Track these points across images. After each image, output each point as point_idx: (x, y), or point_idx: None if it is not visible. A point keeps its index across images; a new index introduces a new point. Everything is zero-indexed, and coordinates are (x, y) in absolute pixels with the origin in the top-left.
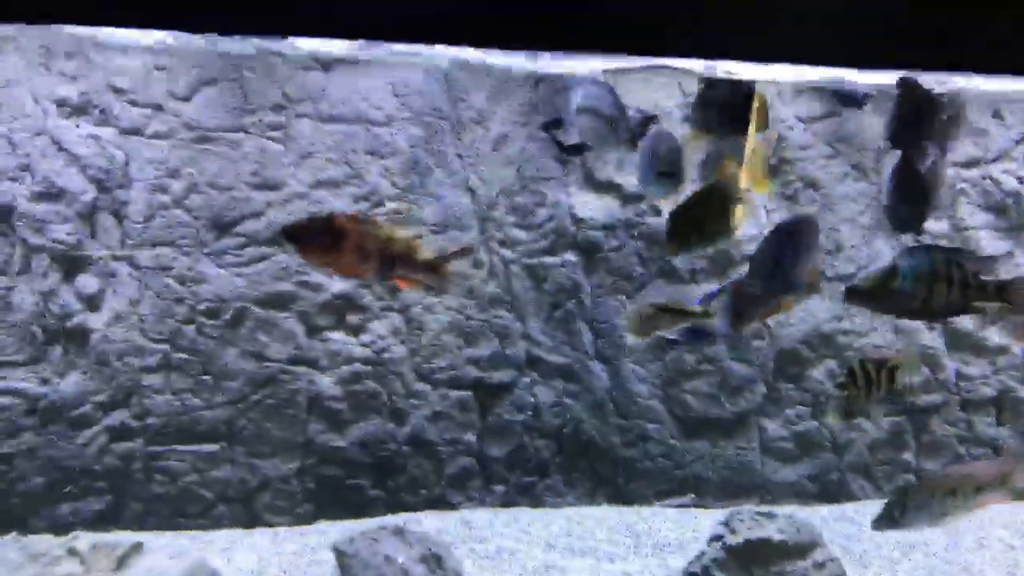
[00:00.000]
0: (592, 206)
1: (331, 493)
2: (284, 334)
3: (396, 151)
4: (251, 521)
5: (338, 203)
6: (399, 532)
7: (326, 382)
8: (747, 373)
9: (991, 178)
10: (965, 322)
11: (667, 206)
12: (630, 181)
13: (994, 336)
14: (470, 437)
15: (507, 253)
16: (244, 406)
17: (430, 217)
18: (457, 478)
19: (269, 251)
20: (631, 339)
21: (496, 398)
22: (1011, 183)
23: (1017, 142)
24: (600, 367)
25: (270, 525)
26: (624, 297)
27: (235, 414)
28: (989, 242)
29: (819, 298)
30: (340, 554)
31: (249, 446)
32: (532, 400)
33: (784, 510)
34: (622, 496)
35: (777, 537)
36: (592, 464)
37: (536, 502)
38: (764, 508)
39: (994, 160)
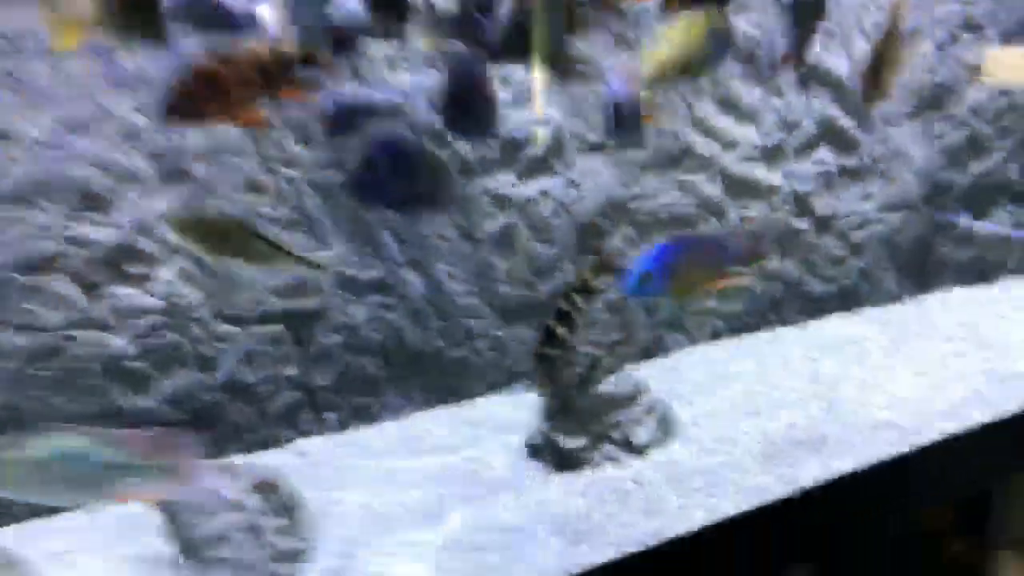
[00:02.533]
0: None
1: None
2: (57, 298)
3: (146, 82)
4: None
5: (88, 145)
6: (224, 467)
7: (119, 342)
8: (552, 253)
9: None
10: (743, 167)
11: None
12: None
13: (766, 177)
14: (290, 371)
15: (292, 173)
16: (27, 385)
17: (200, 145)
18: (284, 415)
19: (21, 212)
20: (438, 240)
21: (310, 325)
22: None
23: None
24: (412, 274)
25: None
26: None
27: (17, 397)
28: (745, 91)
29: (605, 165)
30: (161, 503)
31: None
32: (348, 320)
33: None
34: (459, 396)
35: (605, 389)
36: (423, 372)
37: (374, 421)
38: None
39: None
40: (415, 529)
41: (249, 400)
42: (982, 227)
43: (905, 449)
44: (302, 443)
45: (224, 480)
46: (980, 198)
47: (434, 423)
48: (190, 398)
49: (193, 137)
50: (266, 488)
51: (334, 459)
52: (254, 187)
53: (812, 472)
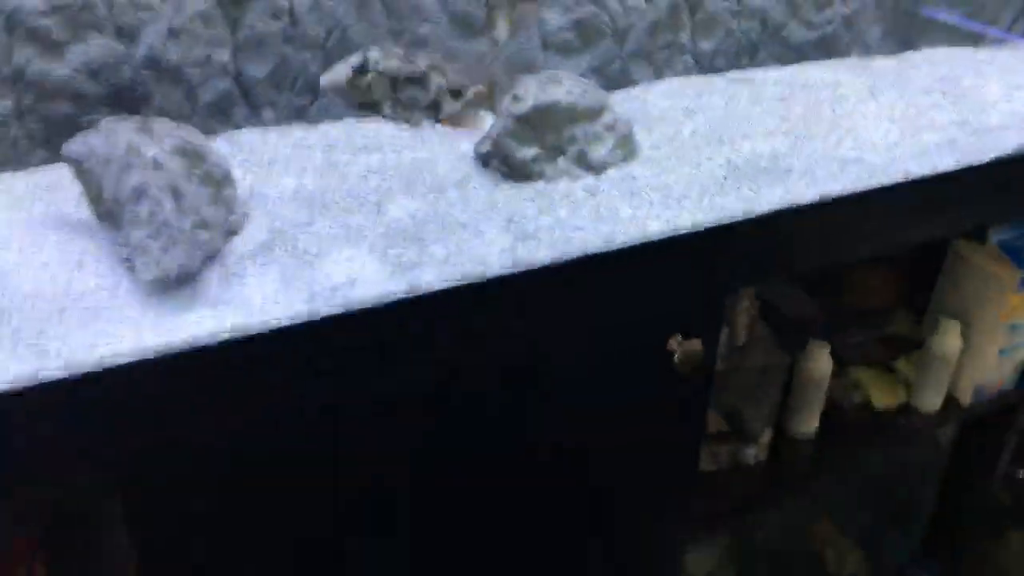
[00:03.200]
0: None
1: (66, 133)
2: None
3: None
4: None
5: None
6: (143, 126)
7: None
8: None
9: None
10: None
11: None
12: None
13: None
14: (222, 56)
15: None
16: None
17: None
18: (216, 106)
19: None
20: None
21: (243, 6)
22: None
23: None
24: None
25: None
26: None
27: None
28: None
29: None
30: (71, 157)
31: None
32: (287, 4)
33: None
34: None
35: (566, 100)
36: None
37: (314, 123)
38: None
39: None
40: (354, 215)
41: (177, 82)
42: (961, 25)
43: (873, 184)
44: (232, 134)
45: (141, 137)
46: None
47: (379, 127)
48: (109, 70)
49: None
50: (191, 154)
51: (269, 149)
52: None
53: (775, 197)
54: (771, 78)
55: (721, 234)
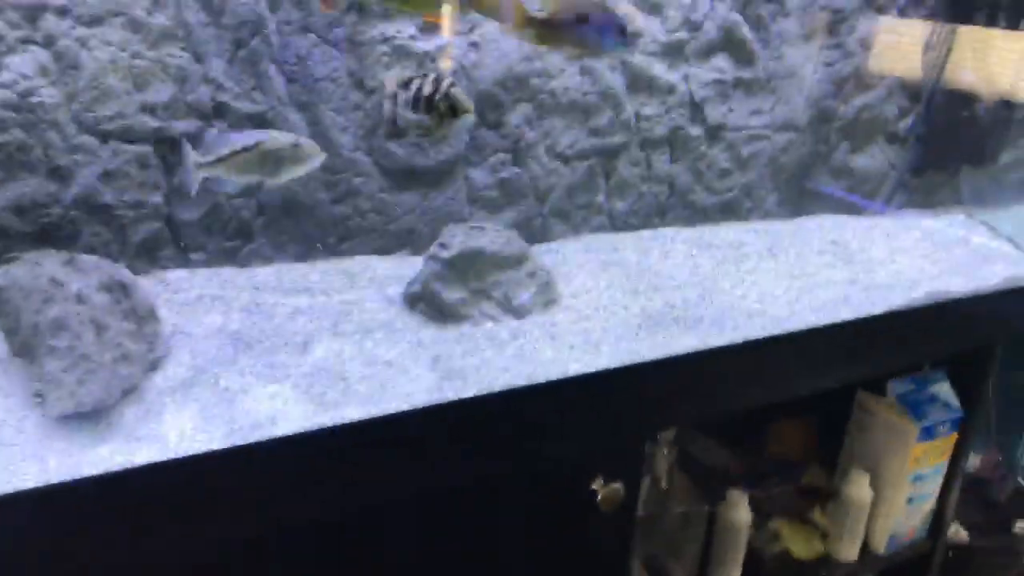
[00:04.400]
0: None
1: None
2: None
3: None
4: None
5: None
6: (69, 260)
7: None
8: None
9: None
10: (644, 60)
11: None
12: None
13: (665, 75)
14: (155, 199)
15: None
16: None
17: None
18: (145, 247)
19: None
20: (327, 85)
21: (178, 152)
22: None
23: None
24: (296, 116)
25: None
26: (315, 35)
27: None
28: None
29: (507, 37)
30: None
31: None
32: None
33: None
34: (337, 254)
35: (490, 248)
36: (299, 224)
37: (243, 266)
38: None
39: None
40: (279, 354)
41: (107, 223)
42: (844, 198)
43: (777, 331)
44: (159, 274)
45: (66, 271)
46: (858, 132)
47: (308, 270)
48: (38, 209)
49: None
50: (116, 289)
51: (195, 287)
52: None
53: (688, 344)
54: (680, 236)
55: (636, 376)
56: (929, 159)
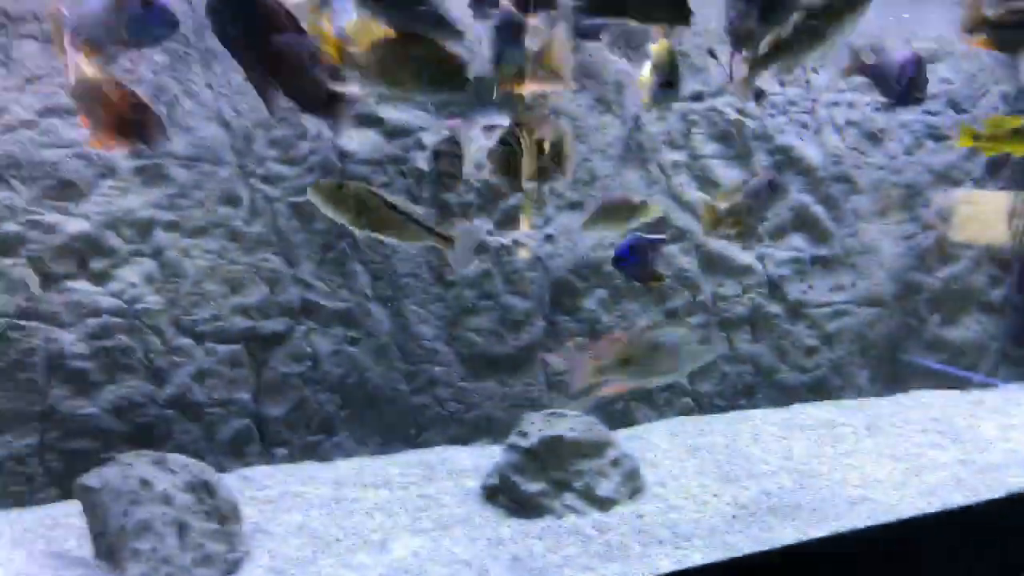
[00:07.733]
0: (356, 140)
1: (82, 470)
2: (11, 284)
3: (138, 79)
4: None
5: (72, 133)
6: (159, 460)
7: (68, 338)
8: (525, 307)
9: (715, 110)
10: (718, 243)
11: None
12: (393, 115)
13: (740, 255)
14: (243, 395)
15: (270, 190)
16: None
17: (180, 149)
18: (231, 443)
19: None
20: (409, 280)
21: (270, 350)
22: (732, 113)
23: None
24: (380, 310)
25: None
26: None
27: None
28: (721, 170)
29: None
30: (84, 490)
31: None
32: (310, 350)
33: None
34: (416, 444)
35: (570, 435)
36: (381, 415)
37: (325, 460)
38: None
39: (715, 95)
40: (357, 554)
41: (197, 420)
42: (944, 370)
43: (888, 519)
44: (244, 471)
45: (155, 471)
46: (948, 303)
47: (387, 462)
48: (135, 410)
49: (176, 141)
50: (201, 489)
51: (278, 484)
52: (229, 199)
53: (787, 536)
54: (768, 416)
55: (735, 571)
56: None
